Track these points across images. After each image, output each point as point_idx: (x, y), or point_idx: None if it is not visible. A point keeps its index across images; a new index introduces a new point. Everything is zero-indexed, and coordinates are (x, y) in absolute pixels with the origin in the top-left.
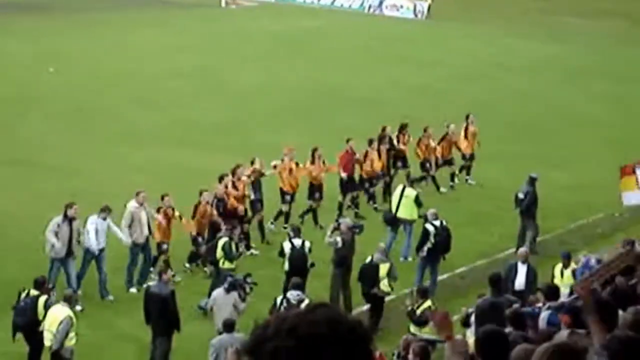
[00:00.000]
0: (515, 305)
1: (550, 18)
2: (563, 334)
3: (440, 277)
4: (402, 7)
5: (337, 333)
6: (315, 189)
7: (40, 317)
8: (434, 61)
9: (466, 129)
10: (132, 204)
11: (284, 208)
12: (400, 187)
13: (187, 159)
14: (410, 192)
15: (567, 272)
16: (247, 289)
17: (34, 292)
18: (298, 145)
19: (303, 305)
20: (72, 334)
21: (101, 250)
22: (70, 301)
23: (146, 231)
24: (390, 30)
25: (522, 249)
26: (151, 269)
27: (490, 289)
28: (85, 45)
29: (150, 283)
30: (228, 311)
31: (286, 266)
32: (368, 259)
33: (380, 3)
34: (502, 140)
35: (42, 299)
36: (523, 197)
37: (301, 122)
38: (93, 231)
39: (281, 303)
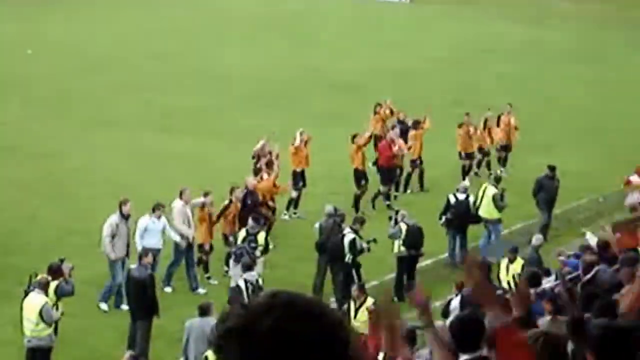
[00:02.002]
0: (499, 292)
1: (537, 1)
2: (545, 321)
3: (423, 264)
4: None
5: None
6: (361, 175)
7: (51, 303)
8: (419, 44)
9: (498, 118)
10: (179, 203)
11: (294, 194)
12: (483, 185)
13: (169, 144)
14: (490, 191)
15: (513, 267)
16: (257, 253)
17: (45, 277)
18: (280, 130)
19: (260, 282)
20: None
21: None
22: (45, 288)
23: (193, 230)
24: (374, 13)
25: (537, 237)
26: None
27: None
28: (66, 28)
29: (131, 266)
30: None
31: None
32: (403, 226)
33: None
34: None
35: (54, 285)
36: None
37: (283, 106)
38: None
39: (246, 286)
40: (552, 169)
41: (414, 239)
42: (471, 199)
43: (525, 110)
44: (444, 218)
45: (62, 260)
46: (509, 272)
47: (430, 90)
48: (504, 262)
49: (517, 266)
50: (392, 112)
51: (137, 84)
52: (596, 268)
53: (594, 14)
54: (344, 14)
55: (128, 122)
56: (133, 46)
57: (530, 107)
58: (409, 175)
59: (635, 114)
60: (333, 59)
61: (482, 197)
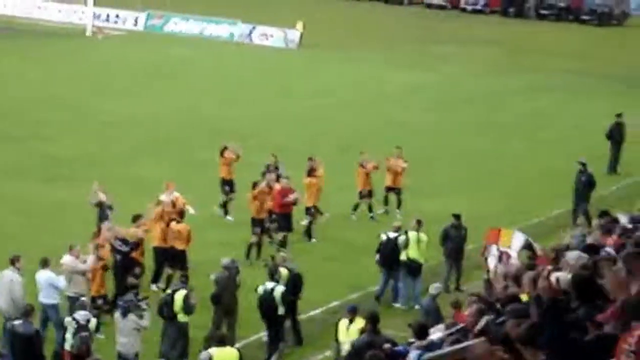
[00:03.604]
0: (386, 345)
1: (425, 46)
2: None
3: (312, 313)
4: (272, 36)
5: None
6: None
7: None
8: (306, 91)
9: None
10: (69, 259)
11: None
12: (414, 234)
13: (53, 195)
14: (424, 237)
15: (353, 328)
16: (144, 305)
17: None
18: (158, 180)
19: (91, 325)
20: None
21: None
22: None
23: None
24: (260, 60)
25: (435, 286)
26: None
27: (369, 326)
28: None
29: (15, 322)
30: (133, 335)
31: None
32: (284, 270)
33: (250, 32)
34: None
35: None
36: None
37: (169, 154)
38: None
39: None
40: (457, 217)
41: (295, 284)
42: (401, 238)
43: (413, 155)
44: (377, 256)
45: None
46: (349, 331)
47: (318, 136)
48: (343, 322)
49: (357, 326)
50: (238, 157)
51: (19, 133)
52: (485, 318)
53: (483, 58)
54: (230, 61)
55: (10, 172)
56: (14, 96)
57: (419, 151)
58: (310, 223)
59: (523, 158)
60: (220, 106)
61: (418, 243)
